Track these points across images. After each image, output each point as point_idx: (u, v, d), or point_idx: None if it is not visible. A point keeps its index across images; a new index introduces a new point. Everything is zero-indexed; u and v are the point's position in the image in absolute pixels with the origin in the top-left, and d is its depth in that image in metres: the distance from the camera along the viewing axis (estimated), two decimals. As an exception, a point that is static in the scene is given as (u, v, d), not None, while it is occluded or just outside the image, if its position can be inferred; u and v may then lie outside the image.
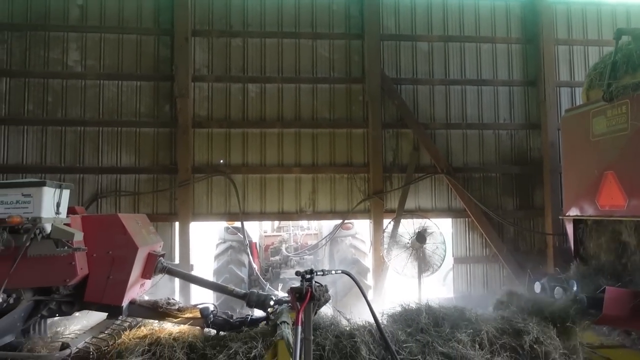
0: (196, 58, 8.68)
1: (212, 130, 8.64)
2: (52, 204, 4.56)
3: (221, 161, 8.61)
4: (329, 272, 4.26)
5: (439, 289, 10.01)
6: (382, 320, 5.18)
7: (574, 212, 6.83)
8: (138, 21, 8.66)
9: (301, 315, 3.88)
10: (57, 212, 4.66)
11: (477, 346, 4.61)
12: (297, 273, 4.12)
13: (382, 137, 8.79)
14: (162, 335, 5.00)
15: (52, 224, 4.45)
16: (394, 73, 9.01)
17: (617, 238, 6.25)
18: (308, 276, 4.02)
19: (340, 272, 4.40)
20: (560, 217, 7.53)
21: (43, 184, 4.45)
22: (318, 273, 4.13)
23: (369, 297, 8.24)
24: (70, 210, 5.11)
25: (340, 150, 8.84)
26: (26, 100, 8.36)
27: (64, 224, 4.64)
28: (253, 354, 4.55)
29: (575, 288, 5.75)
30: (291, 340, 4.42)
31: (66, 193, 4.83)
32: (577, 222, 6.88)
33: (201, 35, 8.70)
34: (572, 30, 9.47)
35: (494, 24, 9.31)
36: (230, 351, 4.52)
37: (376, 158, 8.70)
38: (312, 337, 4.05)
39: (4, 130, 8.30)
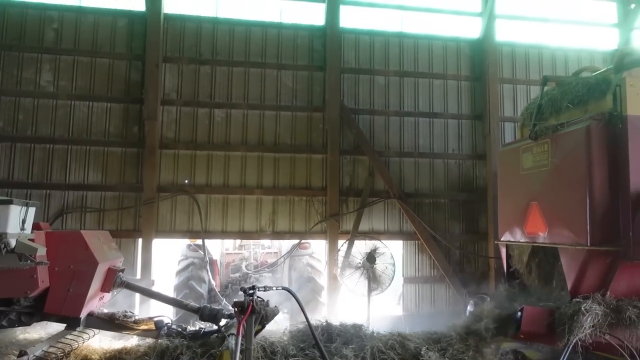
0: (166, 83, 9.15)
1: (178, 151, 9.09)
2: (17, 221, 4.93)
3: (186, 181, 9.04)
4: (270, 288, 4.76)
5: (393, 307, 10.55)
6: (282, 336, 5.61)
7: (506, 237, 7.50)
8: (111, 46, 9.11)
9: (242, 327, 4.36)
10: (22, 228, 5.02)
11: None
12: (241, 289, 4.60)
13: (339, 163, 9.40)
14: (116, 347, 5.37)
15: (17, 239, 4.81)
16: (353, 104, 9.68)
17: (541, 262, 6.94)
18: (250, 291, 4.52)
19: (280, 288, 4.91)
20: (495, 242, 8.20)
21: (10, 202, 4.82)
22: (260, 289, 4.63)
23: (324, 314, 8.79)
24: (35, 226, 5.47)
25: (300, 174, 9.39)
26: (-3, 117, 8.66)
27: (28, 239, 4.99)
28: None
29: (488, 302, 6.36)
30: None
31: (32, 210, 5.20)
32: (509, 246, 7.55)
33: (172, 62, 9.20)
34: (516, 70, 10.37)
35: (446, 61, 10.12)
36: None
37: (333, 182, 9.28)
38: (253, 347, 4.53)
39: (-27, 146, 8.55)
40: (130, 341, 5.82)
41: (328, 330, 5.59)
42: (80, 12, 9.04)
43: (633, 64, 6.10)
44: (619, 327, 5.46)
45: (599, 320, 5.37)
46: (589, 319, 5.36)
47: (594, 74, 6.66)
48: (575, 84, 6.59)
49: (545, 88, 7.19)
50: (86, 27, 9.05)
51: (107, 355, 5.24)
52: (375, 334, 5.56)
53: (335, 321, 5.93)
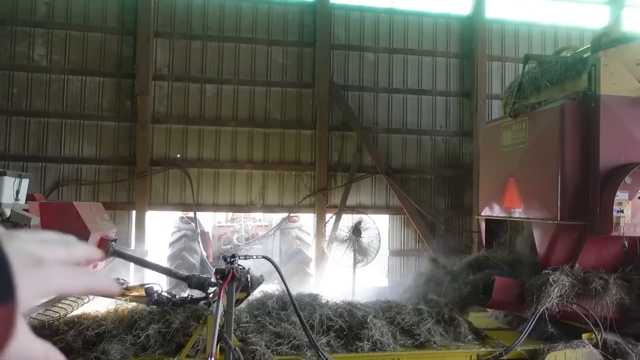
0: (157, 58, 9.28)
1: (170, 126, 9.29)
2: (11, 192, 5.18)
3: (178, 155, 9.27)
4: (251, 257, 5.05)
5: (380, 279, 10.92)
6: (242, 305, 5.86)
7: (486, 212, 7.77)
8: (103, 20, 9.20)
9: (223, 292, 4.66)
10: (17, 199, 5.28)
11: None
12: (222, 257, 4.88)
13: (328, 139, 9.61)
14: (109, 310, 5.70)
15: (11, 209, 5.07)
16: (342, 80, 9.82)
17: (516, 236, 7.24)
18: (231, 259, 4.80)
19: (260, 257, 5.19)
20: (476, 217, 8.49)
21: (3, 173, 5.06)
22: (240, 257, 4.91)
23: (312, 284, 9.13)
24: (30, 197, 5.73)
25: (290, 149, 9.62)
26: (-8, 92, 8.84)
27: (23, 209, 5.26)
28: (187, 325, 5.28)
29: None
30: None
31: (25, 182, 5.45)
32: (488, 221, 7.83)
33: (163, 37, 9.31)
34: (506, 47, 10.46)
35: (435, 38, 10.21)
36: (168, 322, 5.23)
37: (322, 158, 9.52)
38: (234, 311, 4.84)
39: (-31, 119, 8.76)
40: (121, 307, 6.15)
41: (283, 299, 5.88)
42: (72, -14, 9.10)
43: (610, 44, 6.25)
44: (585, 297, 5.76)
45: (566, 291, 5.66)
46: (556, 289, 5.65)
47: (572, 54, 6.81)
48: (555, 63, 6.73)
49: (527, 67, 7.36)
50: (78, 1, 9.11)
51: (100, 318, 5.55)
52: (329, 303, 5.85)
53: (295, 291, 6.18)
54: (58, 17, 9.05)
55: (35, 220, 5.25)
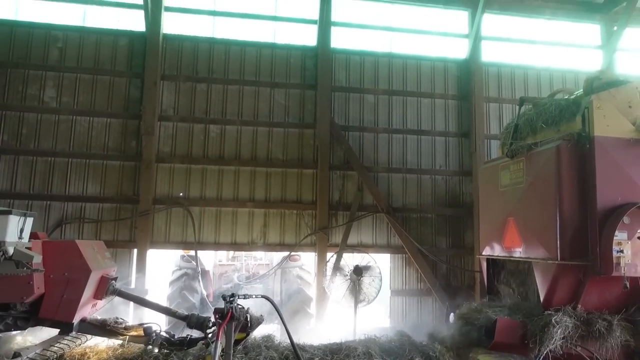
0: (163, 99, 9.56)
1: (174, 165, 9.44)
2: (16, 230, 5.25)
3: (181, 194, 9.37)
4: (250, 296, 5.04)
5: (383, 319, 10.75)
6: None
7: (487, 251, 7.76)
8: (112, 64, 9.54)
9: (221, 332, 4.64)
10: (20, 237, 5.34)
11: None
12: (222, 296, 4.88)
13: (329, 178, 9.73)
14: (109, 352, 5.66)
15: (15, 247, 5.13)
16: (343, 121, 10.04)
17: (517, 276, 7.20)
18: (230, 299, 4.80)
19: (260, 296, 5.19)
20: (477, 256, 8.47)
21: (9, 212, 5.15)
22: (240, 297, 4.91)
23: (312, 325, 9.02)
24: (33, 236, 5.79)
25: (291, 188, 9.72)
26: (1, 131, 9.06)
27: (26, 248, 5.31)
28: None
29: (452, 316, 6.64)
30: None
31: (29, 220, 5.53)
32: (489, 260, 7.81)
33: (169, 80, 9.62)
34: (502, 89, 10.73)
35: (434, 81, 10.50)
36: None
37: (323, 196, 9.60)
38: (232, 352, 4.80)
39: (-22, 158, 8.95)
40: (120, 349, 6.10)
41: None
42: (84, 32, 9.49)
43: (601, 87, 6.46)
44: (589, 339, 5.69)
45: (569, 332, 5.60)
46: (559, 330, 5.59)
47: (566, 97, 7.00)
48: (550, 105, 6.93)
49: (523, 108, 7.55)
50: (89, 46, 9.49)
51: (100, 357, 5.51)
52: (280, 344, 5.79)
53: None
54: (69, 60, 9.40)
55: (37, 258, 5.29)
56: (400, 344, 5.79)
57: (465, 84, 10.51)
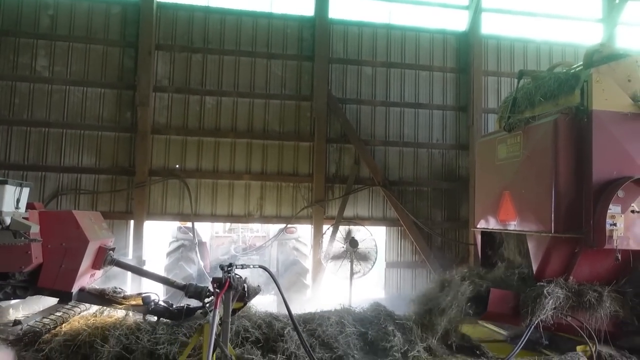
0: (158, 70, 9.40)
1: (170, 137, 9.38)
2: (12, 200, 5.22)
3: (177, 166, 9.34)
4: (248, 266, 5.09)
5: (377, 290, 10.93)
6: None
7: (482, 225, 7.83)
8: (105, 33, 9.34)
9: (219, 301, 4.70)
10: (17, 207, 5.32)
11: None
12: (220, 266, 4.92)
13: (326, 151, 9.71)
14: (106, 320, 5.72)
15: (12, 217, 5.11)
16: (340, 93, 9.95)
17: (511, 248, 7.30)
18: (228, 268, 4.84)
19: (257, 266, 5.24)
20: (472, 229, 8.55)
21: (5, 182, 5.11)
22: (237, 267, 4.95)
23: (308, 296, 9.15)
24: (30, 206, 5.76)
25: (288, 161, 9.71)
26: (-7, 102, 8.93)
27: (23, 218, 5.30)
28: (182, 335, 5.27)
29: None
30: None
31: (26, 191, 5.49)
32: (483, 233, 7.89)
33: (164, 50, 9.44)
34: (501, 63, 10.63)
35: (432, 53, 10.37)
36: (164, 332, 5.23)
37: (320, 169, 9.60)
38: (230, 320, 4.87)
39: (-30, 128, 8.84)
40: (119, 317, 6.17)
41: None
42: (75, -1, 9.26)
43: (601, 60, 6.41)
44: (579, 310, 5.82)
45: (560, 303, 5.72)
46: (550, 301, 5.70)
47: (566, 70, 6.95)
48: (548, 78, 6.88)
49: (521, 82, 7.49)
50: (81, 13, 9.26)
51: (96, 325, 5.55)
52: (256, 313, 5.83)
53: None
54: (61, 29, 9.19)
55: (35, 228, 5.28)
56: (376, 314, 5.84)
57: (464, 57, 10.40)
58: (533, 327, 5.77)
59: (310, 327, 5.42)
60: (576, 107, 6.14)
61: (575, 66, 6.94)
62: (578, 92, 6.26)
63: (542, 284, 5.91)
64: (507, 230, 7.08)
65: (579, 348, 5.80)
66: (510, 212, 6.99)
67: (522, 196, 6.73)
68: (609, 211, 5.78)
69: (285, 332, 5.24)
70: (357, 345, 5.30)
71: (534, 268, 6.34)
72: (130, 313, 6.06)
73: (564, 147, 6.10)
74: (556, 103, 6.63)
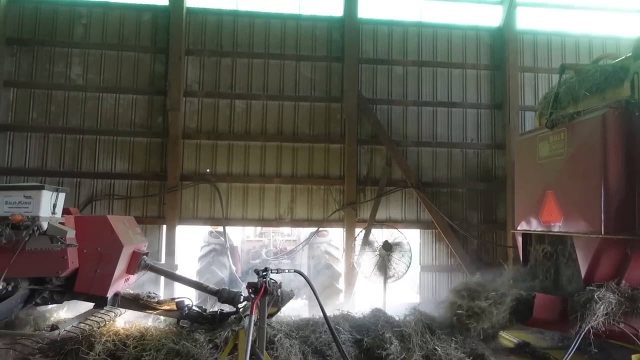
0: (188, 75, 9.45)
1: (200, 141, 9.39)
2: (49, 205, 5.26)
3: (207, 170, 9.34)
4: (283, 270, 4.95)
5: (412, 295, 10.66)
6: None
7: (522, 226, 7.50)
8: (136, 40, 9.45)
9: (255, 306, 4.58)
10: (53, 212, 5.36)
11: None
12: (254, 271, 4.81)
13: (357, 153, 9.53)
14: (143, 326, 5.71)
15: (48, 222, 5.14)
16: (371, 94, 9.77)
17: (556, 251, 6.93)
18: (263, 273, 4.72)
19: (293, 271, 5.10)
20: (512, 231, 8.20)
21: (42, 187, 5.16)
22: (272, 271, 4.83)
23: (341, 300, 8.97)
24: (65, 211, 5.81)
25: (318, 164, 9.58)
26: (31, 109, 9.13)
27: (59, 223, 5.33)
28: (218, 341, 5.18)
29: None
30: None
31: (62, 196, 5.54)
32: (525, 235, 7.54)
33: (194, 54, 9.48)
34: (538, 58, 10.23)
35: (465, 51, 10.07)
36: (222, 338, 5.14)
37: (351, 171, 9.43)
38: (266, 327, 4.74)
39: (9, 136, 9.06)
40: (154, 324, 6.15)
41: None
42: (107, 7, 9.40)
43: (652, 50, 6.03)
44: (633, 316, 5.45)
45: (612, 309, 5.37)
46: (602, 307, 5.37)
47: (612, 62, 6.57)
48: (594, 71, 6.51)
49: (564, 76, 7.15)
50: (113, 22, 9.41)
51: (134, 332, 5.54)
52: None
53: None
54: (94, 37, 9.35)
55: (71, 233, 5.30)
56: (375, 321, 5.59)
57: (499, 53, 10.06)
58: (583, 333, 5.43)
59: (303, 333, 5.25)
60: (626, 100, 5.78)
61: (621, 58, 6.56)
62: (627, 84, 5.90)
63: (592, 288, 5.57)
64: (551, 232, 6.73)
65: (634, 357, 5.43)
66: (555, 213, 6.65)
67: (567, 196, 6.39)
68: (664, 210, 5.40)
69: (275, 339, 5.08)
70: (352, 353, 5.08)
71: (582, 271, 5.97)
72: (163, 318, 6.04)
73: (614, 142, 5.74)
74: (603, 97, 6.27)
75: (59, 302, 5.69)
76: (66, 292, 5.61)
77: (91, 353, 4.81)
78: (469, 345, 5.31)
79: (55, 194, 5.38)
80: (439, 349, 5.01)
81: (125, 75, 9.37)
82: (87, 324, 5.56)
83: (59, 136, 9.14)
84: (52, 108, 9.18)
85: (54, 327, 5.18)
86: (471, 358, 5.11)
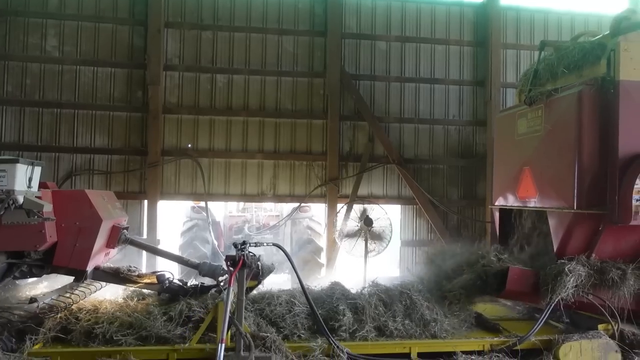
0: (168, 48, 9.27)
1: (181, 116, 9.29)
2: (24, 179, 5.20)
3: (189, 145, 9.27)
4: (261, 244, 5.03)
5: (392, 269, 10.85)
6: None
7: (500, 202, 7.64)
8: (114, 11, 9.20)
9: (233, 279, 4.65)
10: (29, 186, 5.30)
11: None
12: (233, 244, 4.86)
13: (339, 129, 9.54)
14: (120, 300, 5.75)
15: (24, 196, 5.09)
16: (354, 69, 9.72)
17: (531, 226, 7.11)
18: (242, 246, 4.78)
19: (271, 244, 5.17)
20: (490, 207, 8.36)
21: (16, 160, 5.08)
22: (251, 244, 4.89)
23: (322, 274, 9.11)
24: (42, 185, 5.74)
25: (301, 139, 9.58)
26: (5, 82, 8.90)
27: (35, 197, 5.28)
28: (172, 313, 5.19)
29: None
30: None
31: (37, 169, 5.47)
32: (502, 210, 7.70)
33: (173, 27, 9.29)
34: (521, 35, 10.26)
35: (449, 27, 10.04)
36: (177, 311, 5.19)
37: (333, 147, 9.45)
38: (244, 299, 4.82)
39: (-16, 110, 8.84)
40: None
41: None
42: (83, -23, 9.10)
43: (629, 28, 6.06)
44: (602, 288, 5.65)
45: (582, 281, 5.55)
46: (572, 279, 5.53)
47: (590, 39, 6.62)
48: (572, 49, 6.55)
49: (543, 53, 7.19)
50: (89, -9, 9.13)
51: (87, 305, 5.55)
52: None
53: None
54: (70, 8, 9.08)
55: (48, 207, 5.26)
56: (331, 293, 5.71)
57: (482, 29, 10.05)
58: (553, 305, 5.63)
59: (259, 306, 5.31)
60: (602, 77, 5.84)
61: (600, 35, 6.61)
62: (604, 62, 5.95)
63: (563, 261, 5.74)
64: (526, 207, 6.89)
65: (600, 326, 5.66)
66: (531, 189, 6.78)
67: (543, 172, 6.51)
68: (635, 186, 5.53)
69: None
70: (305, 325, 5.15)
71: (555, 245, 6.14)
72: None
73: (589, 119, 5.83)
74: (580, 74, 6.34)
75: (38, 275, 5.69)
76: (45, 265, 5.59)
77: (42, 330, 4.76)
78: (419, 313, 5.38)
79: (30, 167, 5.31)
80: (390, 323, 5.14)
81: (103, 48, 9.15)
82: (66, 297, 5.58)
83: (35, 110, 8.95)
84: (27, 81, 8.95)
85: (32, 299, 5.19)
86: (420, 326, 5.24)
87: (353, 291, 5.67)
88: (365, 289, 5.65)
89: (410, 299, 5.40)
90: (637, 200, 5.52)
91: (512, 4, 10.26)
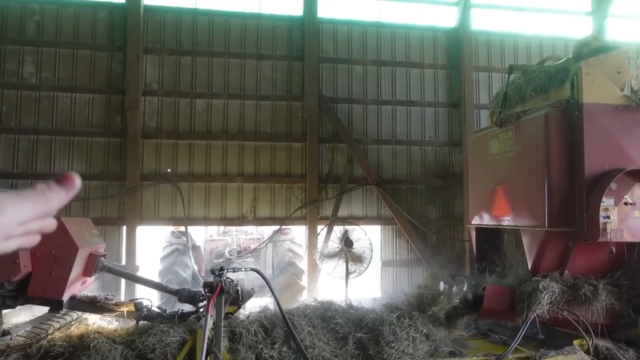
0: (147, 74, 9.33)
1: (160, 141, 9.30)
2: (-3, 208, 5.14)
3: (168, 170, 9.26)
4: (239, 269, 5.04)
5: (374, 289, 10.88)
6: None
7: (476, 221, 7.80)
8: (92, 38, 9.25)
9: (211, 305, 4.65)
10: (2, 215, 5.23)
11: None
12: (210, 270, 4.87)
13: (318, 151, 9.66)
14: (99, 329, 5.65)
15: (-2, 226, 5.02)
16: (331, 92, 9.91)
17: (505, 244, 7.27)
18: (219, 272, 4.79)
19: (250, 269, 5.19)
20: (467, 226, 8.52)
21: (-10, 190, 5.03)
22: (229, 269, 4.91)
23: (304, 297, 9.08)
24: (17, 214, 5.68)
25: (280, 162, 9.65)
26: (-19, 109, 8.81)
27: (9, 226, 5.21)
28: (175, 339, 5.19)
29: (464, 285, 6.67)
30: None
31: (11, 198, 5.41)
32: (478, 229, 7.86)
33: (152, 53, 9.36)
34: (492, 58, 10.62)
35: (423, 50, 10.35)
36: (155, 338, 5.14)
37: (313, 169, 9.55)
38: (222, 324, 4.81)
39: (-42, 137, 8.72)
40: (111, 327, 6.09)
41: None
42: (61, 4, 9.14)
43: (591, 53, 6.39)
44: (575, 304, 5.79)
45: (556, 297, 5.69)
46: (546, 295, 5.67)
47: (555, 64, 6.93)
48: (538, 72, 6.85)
49: (512, 76, 7.48)
50: (67, 19, 9.16)
51: (92, 333, 5.48)
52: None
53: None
54: (47, 34, 9.10)
55: (22, 236, 5.19)
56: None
57: (455, 53, 10.38)
58: (529, 322, 5.74)
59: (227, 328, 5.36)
60: (566, 100, 6.12)
61: (564, 59, 6.92)
62: (568, 85, 6.25)
63: (537, 278, 5.88)
64: (501, 225, 7.05)
65: (575, 342, 5.76)
66: (504, 208, 6.97)
67: (515, 191, 6.71)
68: (602, 204, 5.74)
69: None
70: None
71: (529, 263, 6.30)
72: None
73: (555, 140, 6.07)
74: (547, 97, 6.62)
75: (12, 307, 5.56)
76: (19, 296, 5.49)
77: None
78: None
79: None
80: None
81: (81, 74, 9.16)
82: (41, 329, 5.48)
83: (11, 137, 8.86)
84: (3, 108, 8.88)
85: (5, 332, 5.08)
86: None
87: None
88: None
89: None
90: (604, 218, 5.72)
91: (482, 29, 10.64)
